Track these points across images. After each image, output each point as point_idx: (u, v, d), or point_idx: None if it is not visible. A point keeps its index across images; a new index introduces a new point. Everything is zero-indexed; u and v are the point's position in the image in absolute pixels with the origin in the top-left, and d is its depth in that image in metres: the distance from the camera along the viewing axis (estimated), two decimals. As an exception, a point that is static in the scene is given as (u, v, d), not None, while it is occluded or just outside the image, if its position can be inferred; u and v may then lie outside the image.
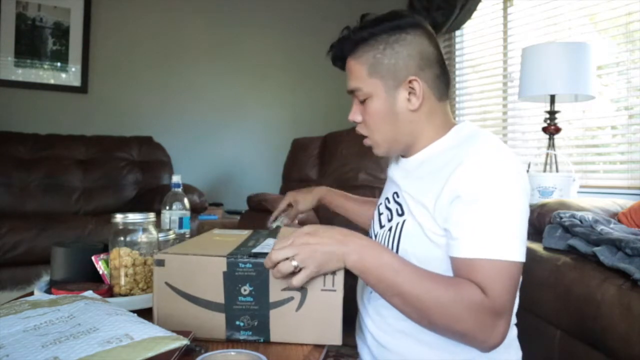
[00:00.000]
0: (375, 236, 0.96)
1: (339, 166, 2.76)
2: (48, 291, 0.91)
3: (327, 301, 0.74)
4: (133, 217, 0.93)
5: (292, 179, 2.99)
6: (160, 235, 1.05)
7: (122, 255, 0.91)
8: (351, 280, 0.87)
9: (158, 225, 1.04)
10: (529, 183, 0.82)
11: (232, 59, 3.76)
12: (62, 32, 3.26)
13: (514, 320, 0.88)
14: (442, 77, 0.90)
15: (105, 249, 0.98)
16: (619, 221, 1.50)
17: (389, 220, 0.92)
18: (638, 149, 2.29)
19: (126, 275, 0.91)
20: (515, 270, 0.76)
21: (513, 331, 0.90)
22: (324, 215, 2.64)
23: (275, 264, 0.71)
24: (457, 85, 3.36)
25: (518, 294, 0.86)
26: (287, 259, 0.71)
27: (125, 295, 0.91)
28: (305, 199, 1.29)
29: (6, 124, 3.06)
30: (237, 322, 0.74)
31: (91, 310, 0.64)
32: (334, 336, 0.74)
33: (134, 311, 0.68)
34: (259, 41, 3.83)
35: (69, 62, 3.29)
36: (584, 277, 1.24)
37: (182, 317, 0.74)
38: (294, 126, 3.83)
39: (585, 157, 2.57)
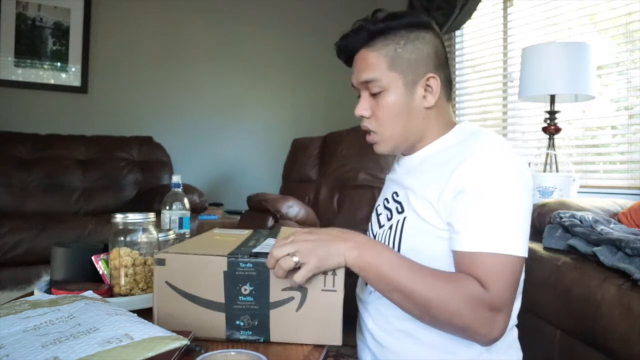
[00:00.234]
0: (375, 236, 0.96)
1: (339, 166, 2.76)
2: (48, 291, 0.91)
3: (328, 301, 0.74)
4: (133, 217, 0.93)
5: (292, 179, 2.99)
6: (160, 235, 1.05)
7: (122, 255, 0.91)
8: (351, 279, 0.87)
9: (158, 225, 1.04)
10: (531, 180, 0.83)
11: (232, 59, 3.76)
12: (62, 32, 3.26)
13: (514, 321, 0.88)
14: (449, 78, 0.92)
15: (105, 249, 0.98)
16: (619, 221, 1.50)
17: (389, 219, 0.92)
18: (638, 149, 2.29)
19: (126, 275, 0.91)
20: (516, 265, 0.77)
21: (514, 332, 0.90)
22: (324, 215, 2.65)
23: (277, 261, 0.71)
24: (457, 85, 3.36)
25: (521, 291, 0.86)
26: (287, 255, 0.71)
27: (125, 295, 0.91)
28: None
29: (6, 124, 3.06)
30: (238, 322, 0.74)
31: (91, 310, 0.64)
32: (334, 336, 0.74)
33: (134, 311, 0.68)
34: (259, 41, 3.83)
35: (69, 62, 3.29)
36: (584, 277, 1.24)
37: (182, 317, 0.74)
38: (294, 126, 3.83)
39: (585, 157, 2.57)
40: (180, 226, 1.33)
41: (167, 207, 1.33)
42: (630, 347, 1.05)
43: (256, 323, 0.74)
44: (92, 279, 0.96)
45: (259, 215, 2.40)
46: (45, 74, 3.25)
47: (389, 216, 0.92)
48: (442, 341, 0.82)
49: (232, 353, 0.62)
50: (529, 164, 2.42)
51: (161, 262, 0.74)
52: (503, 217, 0.76)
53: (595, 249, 1.25)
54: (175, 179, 1.37)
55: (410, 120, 0.88)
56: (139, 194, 3.17)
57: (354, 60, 0.92)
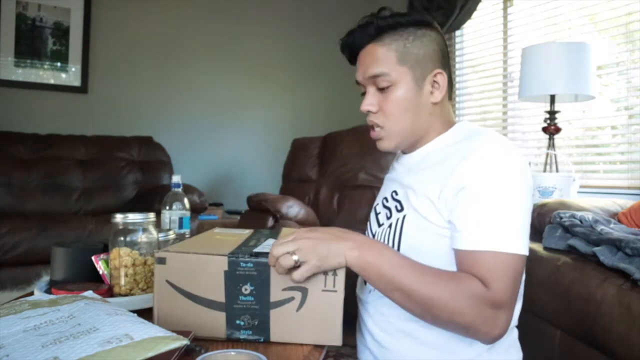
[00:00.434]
0: (374, 235, 0.96)
1: (339, 166, 2.75)
2: (48, 291, 0.91)
3: (328, 302, 0.74)
4: (133, 217, 0.93)
5: (292, 179, 2.99)
6: (160, 235, 1.05)
7: (122, 255, 0.91)
8: (351, 280, 0.87)
9: (158, 225, 1.03)
10: (532, 180, 0.83)
11: (232, 59, 3.76)
12: (62, 32, 3.26)
13: (515, 322, 0.88)
14: (451, 77, 0.93)
15: (105, 249, 0.98)
16: (619, 221, 1.50)
17: (388, 218, 0.92)
18: (638, 149, 2.29)
19: (126, 275, 0.91)
20: (518, 263, 0.77)
21: (514, 332, 0.90)
22: (324, 215, 2.65)
23: (277, 259, 0.71)
24: (457, 85, 3.36)
25: (522, 292, 0.86)
26: (287, 253, 0.71)
27: (125, 295, 0.90)
28: None
29: (6, 124, 3.06)
30: (238, 321, 0.74)
31: (91, 310, 0.64)
32: (334, 336, 0.74)
33: (134, 311, 0.68)
34: (259, 41, 3.83)
35: (69, 62, 3.29)
36: (584, 277, 1.24)
37: (182, 316, 0.74)
38: (294, 126, 3.83)
39: (585, 157, 2.57)
40: (180, 226, 1.33)
41: (167, 207, 1.33)
42: (630, 347, 1.05)
43: (256, 323, 0.74)
44: (92, 279, 0.96)
45: (259, 215, 2.40)
46: (45, 74, 3.25)
47: (388, 215, 0.92)
48: (443, 341, 0.82)
49: (232, 353, 0.62)
50: (529, 164, 2.42)
51: (162, 260, 0.74)
52: (504, 215, 0.77)
53: (595, 249, 1.25)
54: (175, 179, 1.37)
55: (418, 115, 0.89)
56: (139, 194, 3.17)
57: (360, 56, 0.91)
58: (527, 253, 0.78)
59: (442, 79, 0.89)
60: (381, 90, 0.89)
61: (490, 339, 0.76)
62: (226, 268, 0.73)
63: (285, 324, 0.74)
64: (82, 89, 3.33)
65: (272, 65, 3.89)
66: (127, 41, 3.45)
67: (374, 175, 2.61)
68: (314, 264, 0.72)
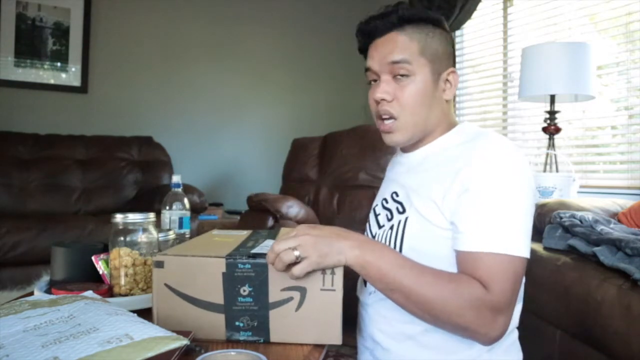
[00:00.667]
0: (374, 237, 0.96)
1: (339, 166, 2.75)
2: (48, 291, 0.91)
3: (327, 301, 0.74)
4: (133, 217, 0.93)
5: (292, 178, 2.99)
6: (160, 235, 1.05)
7: (122, 255, 0.91)
8: (351, 279, 0.87)
9: (158, 225, 1.04)
10: (534, 182, 0.83)
11: (232, 59, 3.76)
12: (62, 32, 3.26)
13: (516, 323, 0.88)
14: None
15: (105, 249, 0.98)
16: (619, 221, 1.50)
17: (389, 220, 0.91)
18: (638, 149, 2.29)
19: (126, 275, 0.91)
20: (518, 266, 0.77)
21: (514, 333, 0.90)
22: (324, 215, 2.65)
23: (277, 255, 0.71)
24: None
25: (522, 294, 0.86)
26: (289, 249, 0.71)
27: (125, 295, 0.90)
28: None
29: (6, 124, 3.06)
30: (237, 323, 0.74)
31: (91, 310, 0.64)
32: (334, 336, 0.74)
33: (134, 311, 0.68)
34: (259, 41, 3.83)
35: (69, 62, 3.29)
36: (584, 277, 1.24)
37: (181, 318, 0.74)
38: (294, 126, 3.83)
39: (585, 157, 2.57)
40: (180, 226, 1.33)
41: (167, 207, 1.33)
42: (630, 347, 1.05)
43: (256, 324, 0.74)
44: (92, 279, 0.96)
45: (259, 215, 2.40)
46: (45, 74, 3.25)
47: (389, 216, 0.92)
48: (444, 342, 0.82)
49: (232, 353, 0.62)
50: (529, 164, 2.42)
51: (160, 264, 0.74)
52: (506, 217, 0.77)
53: (595, 249, 1.25)
54: (175, 179, 1.37)
55: (432, 110, 0.89)
56: (139, 194, 3.17)
57: (376, 43, 0.90)
58: (528, 256, 0.78)
59: (455, 78, 0.90)
60: (397, 79, 0.87)
61: (489, 340, 0.76)
62: (224, 270, 0.73)
63: (284, 324, 0.74)
64: (82, 89, 3.33)
65: (272, 65, 3.90)
66: (127, 41, 3.45)
67: (374, 175, 2.61)
68: (314, 260, 0.71)
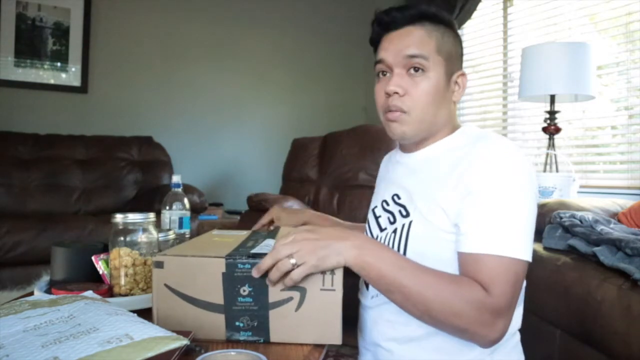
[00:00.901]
0: (375, 239, 0.94)
1: (339, 166, 2.75)
2: (48, 291, 0.91)
3: (327, 301, 0.74)
4: (133, 217, 0.93)
5: (292, 178, 2.99)
6: (160, 235, 1.05)
7: (122, 255, 0.91)
8: (352, 279, 0.87)
9: (158, 225, 1.03)
10: (537, 185, 0.83)
11: (232, 59, 3.76)
12: (62, 32, 3.26)
13: (518, 325, 0.88)
14: None
15: (105, 249, 0.98)
16: (619, 221, 1.50)
17: (392, 223, 0.91)
18: (638, 149, 2.29)
19: (126, 275, 0.91)
20: (520, 269, 0.77)
21: (516, 336, 0.89)
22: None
23: (276, 262, 0.71)
24: (457, 85, 3.35)
25: (522, 297, 0.86)
26: (286, 257, 0.71)
27: (125, 295, 0.90)
28: (289, 218, 1.20)
29: (6, 124, 3.06)
30: (237, 323, 0.74)
31: (91, 310, 0.64)
32: (334, 336, 0.74)
33: (134, 311, 0.68)
34: (259, 41, 3.83)
35: (69, 62, 3.29)
36: (584, 277, 1.24)
37: (181, 319, 0.74)
38: (294, 126, 3.83)
39: (585, 157, 2.57)
40: (180, 226, 1.33)
41: (167, 207, 1.33)
42: (630, 347, 1.05)
43: (255, 324, 0.74)
44: (92, 279, 0.96)
45: (259, 215, 2.38)
46: (45, 74, 3.25)
47: (392, 219, 0.91)
48: (447, 345, 0.82)
49: (232, 353, 0.62)
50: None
51: (159, 264, 0.74)
52: (509, 220, 0.77)
53: (595, 249, 1.25)
54: (175, 179, 1.37)
55: (440, 109, 0.89)
56: (139, 194, 3.17)
57: (392, 36, 0.89)
58: (529, 259, 0.78)
59: (463, 80, 0.91)
60: (410, 75, 0.87)
61: (488, 343, 0.76)
62: (224, 270, 0.73)
63: (284, 324, 0.74)
64: (82, 89, 3.33)
65: (272, 65, 3.90)
66: (127, 41, 3.45)
67: (374, 175, 2.60)
68: (312, 264, 0.71)
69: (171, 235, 1.12)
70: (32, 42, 3.19)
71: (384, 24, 0.90)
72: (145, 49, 3.50)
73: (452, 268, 0.81)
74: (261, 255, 0.74)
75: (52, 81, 3.26)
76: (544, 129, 2.28)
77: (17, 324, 0.61)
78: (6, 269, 2.43)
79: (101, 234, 2.53)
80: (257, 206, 2.45)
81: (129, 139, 3.30)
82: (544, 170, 2.27)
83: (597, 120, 2.54)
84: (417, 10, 0.88)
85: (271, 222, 1.22)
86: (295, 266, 0.71)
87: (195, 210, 2.73)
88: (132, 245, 0.92)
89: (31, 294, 0.94)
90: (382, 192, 0.99)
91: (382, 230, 0.93)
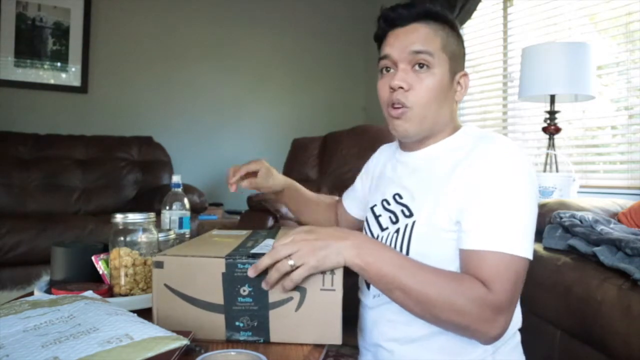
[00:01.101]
0: (376, 238, 0.94)
1: (339, 166, 2.75)
2: (48, 291, 0.91)
3: (327, 301, 0.74)
4: (133, 217, 0.93)
5: (292, 178, 2.98)
6: (160, 235, 1.05)
7: (122, 255, 0.91)
8: (352, 279, 0.87)
9: (158, 225, 1.04)
10: (537, 185, 0.83)
11: (232, 59, 3.76)
12: (62, 32, 3.26)
13: (519, 325, 0.88)
14: None
15: (105, 249, 0.98)
16: (619, 221, 1.50)
17: (393, 223, 0.90)
18: (638, 149, 2.29)
19: (126, 275, 0.91)
20: (520, 266, 0.77)
21: (517, 336, 0.90)
22: (324, 215, 2.64)
23: (274, 262, 0.71)
24: (457, 85, 3.35)
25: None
26: (285, 258, 0.71)
27: (125, 295, 0.90)
28: (276, 176, 1.28)
29: (6, 124, 3.06)
30: (237, 323, 0.74)
31: (91, 310, 0.64)
32: (334, 336, 0.74)
33: (134, 311, 0.68)
34: (259, 41, 3.83)
35: (69, 62, 3.29)
36: (584, 277, 1.24)
37: (181, 319, 0.74)
38: (294, 126, 3.83)
39: (585, 157, 2.57)
40: (180, 226, 1.33)
41: (167, 207, 1.33)
42: (630, 347, 1.06)
43: (255, 324, 0.74)
44: (92, 279, 0.96)
45: (259, 215, 2.40)
46: (45, 74, 3.25)
47: (393, 219, 0.91)
48: (448, 344, 0.82)
49: (232, 353, 0.62)
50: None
51: (159, 264, 0.74)
52: (510, 218, 0.77)
53: (595, 249, 1.25)
54: (175, 179, 1.37)
55: (442, 107, 0.89)
56: (139, 194, 3.17)
57: (397, 32, 0.89)
58: (530, 257, 0.78)
59: (466, 81, 0.92)
60: (415, 71, 0.87)
61: (489, 339, 0.76)
62: (224, 270, 0.73)
63: (284, 325, 0.74)
64: (82, 89, 3.33)
65: (272, 65, 3.90)
66: (127, 41, 3.45)
67: (374, 175, 2.60)
68: (312, 265, 0.71)
69: (171, 235, 1.11)
70: (32, 42, 3.19)
71: (390, 20, 0.90)
72: (145, 49, 3.50)
73: (454, 267, 0.81)
74: (261, 256, 0.74)
75: (52, 81, 3.26)
76: (544, 129, 2.28)
77: (17, 324, 0.61)
78: (6, 269, 2.43)
79: (101, 234, 2.53)
80: (257, 206, 2.45)
81: (129, 139, 3.30)
82: (544, 170, 2.27)
83: (597, 120, 2.53)
84: (424, 9, 0.88)
85: (254, 174, 1.21)
86: (294, 267, 0.71)
87: (195, 210, 2.73)
88: (132, 245, 0.92)
89: (31, 294, 0.94)
90: (382, 190, 0.98)
91: (383, 229, 0.93)
